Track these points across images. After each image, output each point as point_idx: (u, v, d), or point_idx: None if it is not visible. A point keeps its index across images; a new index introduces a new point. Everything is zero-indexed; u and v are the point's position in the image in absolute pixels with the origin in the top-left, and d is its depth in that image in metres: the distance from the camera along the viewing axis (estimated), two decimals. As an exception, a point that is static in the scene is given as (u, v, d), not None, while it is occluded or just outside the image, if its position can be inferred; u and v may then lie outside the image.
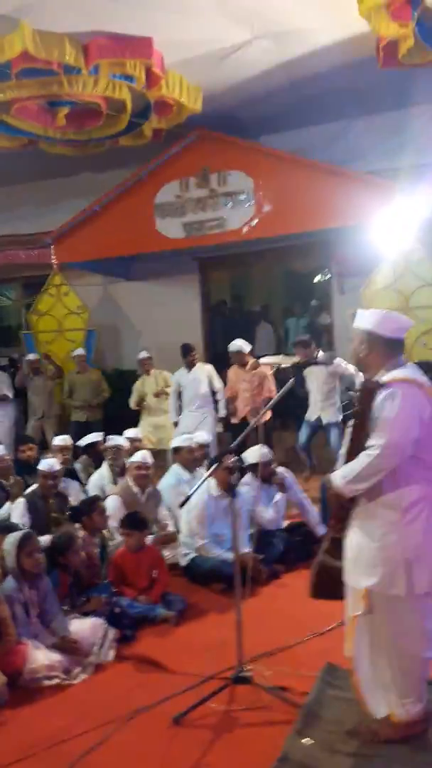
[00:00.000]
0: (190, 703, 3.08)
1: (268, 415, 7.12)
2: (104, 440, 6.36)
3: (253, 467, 5.16)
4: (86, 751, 2.86)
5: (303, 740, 2.75)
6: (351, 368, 6.07)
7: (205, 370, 7.65)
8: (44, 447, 7.29)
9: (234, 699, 3.18)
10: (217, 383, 7.58)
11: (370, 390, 2.67)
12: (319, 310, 10.00)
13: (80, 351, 8.61)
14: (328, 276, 9.72)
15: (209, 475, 3.60)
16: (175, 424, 7.65)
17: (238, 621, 3.24)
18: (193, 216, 8.34)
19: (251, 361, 7.22)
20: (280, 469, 5.41)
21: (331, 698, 3.08)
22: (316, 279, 10.83)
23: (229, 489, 4.68)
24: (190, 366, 7.64)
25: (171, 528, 5.22)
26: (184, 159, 8.37)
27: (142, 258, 9.47)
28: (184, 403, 7.66)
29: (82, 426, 8.05)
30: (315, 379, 6.64)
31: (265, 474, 5.19)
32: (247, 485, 5.19)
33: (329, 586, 2.87)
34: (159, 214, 8.49)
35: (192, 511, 4.79)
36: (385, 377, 2.68)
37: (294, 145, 8.31)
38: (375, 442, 2.59)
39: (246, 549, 4.63)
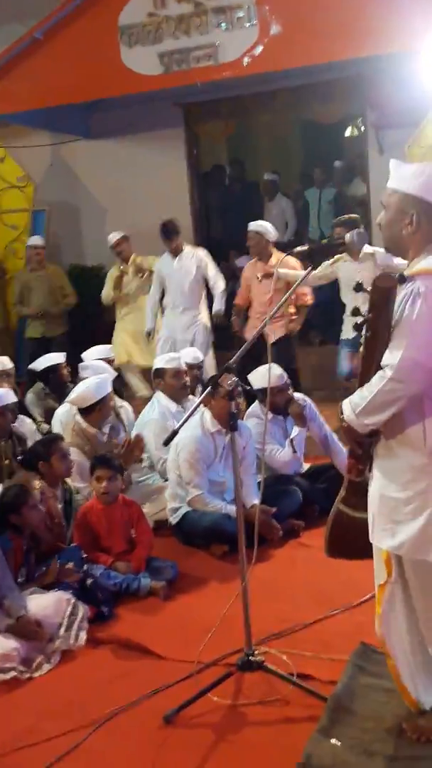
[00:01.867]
0: (186, 696, 3.20)
1: (290, 325, 7.08)
2: (66, 362, 6.38)
3: (263, 393, 5.18)
4: (55, 759, 2.99)
5: (331, 741, 2.88)
6: (395, 260, 5.92)
7: (196, 257, 7.55)
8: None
9: (241, 690, 3.30)
10: (212, 271, 7.51)
11: (386, 289, 2.60)
12: (350, 175, 9.77)
13: (38, 239, 8.45)
14: (362, 128, 9.44)
15: (200, 403, 3.61)
16: (149, 334, 7.64)
17: (244, 592, 3.32)
18: (174, 43, 8.00)
19: (275, 257, 7.03)
20: (298, 396, 5.43)
21: (365, 688, 3.21)
22: (347, 132, 10.52)
23: (228, 421, 4.78)
24: (175, 252, 7.53)
25: (151, 481, 5.32)
26: (158, -42, 7.95)
27: (104, 106, 9.17)
28: (167, 303, 7.62)
29: (39, 343, 8.03)
30: (348, 281, 6.53)
31: (278, 402, 5.22)
32: (255, 417, 5.23)
33: (348, 542, 2.94)
34: (125, 41, 8.14)
35: (181, 452, 4.85)
36: (414, 267, 2.61)
37: None
38: (389, 360, 2.56)
39: (254, 500, 4.72)
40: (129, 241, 8.01)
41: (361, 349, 2.72)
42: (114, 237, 8.00)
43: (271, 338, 6.86)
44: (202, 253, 7.62)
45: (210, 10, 7.89)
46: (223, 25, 7.87)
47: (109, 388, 5.40)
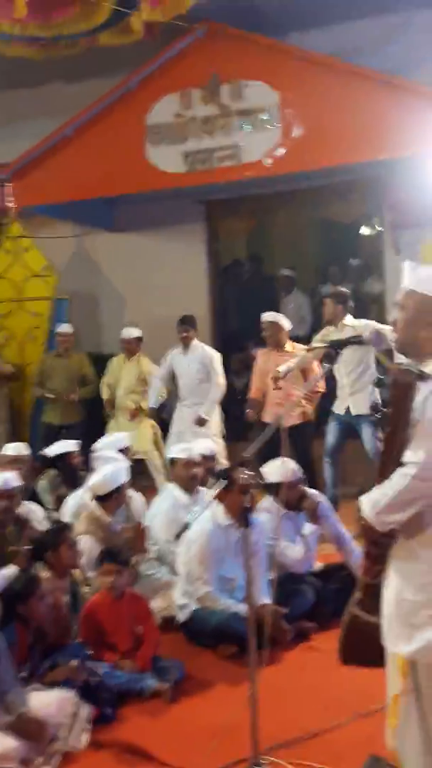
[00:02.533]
0: (190, 806, 3.12)
1: (305, 415, 7.13)
2: (77, 451, 6.46)
3: (276, 488, 5.17)
4: None
5: None
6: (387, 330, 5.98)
7: (204, 353, 7.68)
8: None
9: (247, 801, 3.21)
10: (216, 373, 7.60)
11: (405, 385, 2.63)
12: (366, 273, 9.95)
13: (67, 327, 8.61)
14: (379, 227, 9.65)
15: (215, 496, 3.61)
16: (156, 415, 7.70)
17: (253, 696, 3.27)
18: (198, 143, 8.34)
19: (289, 345, 7.18)
20: (312, 492, 5.41)
21: (376, 804, 3.09)
22: (363, 231, 10.76)
23: (241, 516, 4.75)
24: (185, 343, 7.66)
25: (159, 575, 5.28)
26: (186, 64, 8.37)
27: (128, 200, 9.46)
28: (178, 397, 7.70)
29: (54, 429, 8.06)
30: (344, 360, 6.55)
31: (291, 497, 5.19)
32: (267, 512, 5.19)
33: (363, 648, 2.88)
34: (152, 139, 8.49)
35: (192, 547, 4.80)
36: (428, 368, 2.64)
37: (334, 46, 8.26)
38: (412, 458, 2.55)
39: (265, 599, 4.64)
40: (141, 341, 8.23)
41: (380, 444, 2.74)
42: (128, 334, 8.14)
43: (288, 422, 6.91)
44: (211, 352, 7.75)
45: (234, 113, 8.24)
46: (246, 126, 8.17)
47: (126, 477, 5.41)
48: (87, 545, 5.04)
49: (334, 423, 7.01)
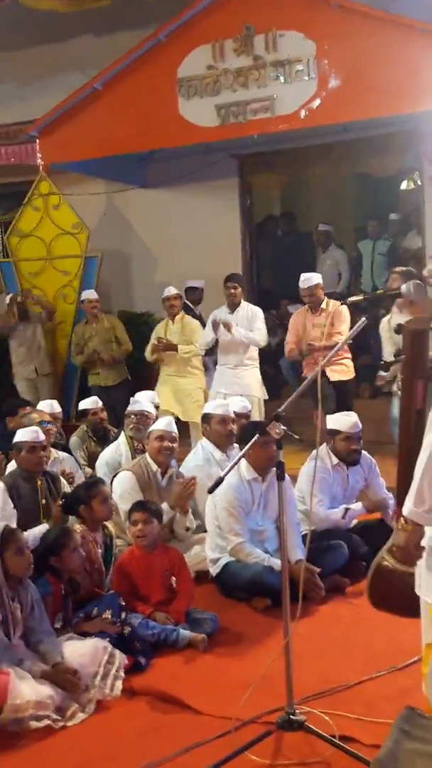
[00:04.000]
0: (223, 753, 3.15)
1: (348, 372, 7.12)
2: (99, 408, 6.68)
3: (333, 434, 5.23)
4: None
5: (373, 807, 2.80)
6: None
7: (251, 313, 7.63)
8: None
9: (281, 750, 3.24)
10: (259, 333, 7.54)
11: (417, 333, 2.61)
12: (405, 228, 9.82)
13: (92, 293, 8.62)
14: (418, 181, 9.51)
15: (249, 448, 3.64)
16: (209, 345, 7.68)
17: (287, 648, 3.28)
18: (231, 95, 8.24)
19: (324, 303, 7.18)
20: (363, 454, 5.47)
21: (410, 753, 3.10)
22: (402, 185, 10.59)
23: (268, 469, 4.82)
24: (232, 305, 7.61)
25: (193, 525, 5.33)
26: (218, 14, 8.23)
27: (160, 156, 9.41)
28: (219, 358, 7.68)
29: (101, 391, 8.08)
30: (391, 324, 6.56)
31: (345, 448, 5.24)
32: (320, 459, 5.19)
33: (392, 595, 2.89)
34: (183, 92, 8.41)
35: (219, 501, 4.86)
36: None
37: (371, -5, 8.08)
38: (430, 435, 2.51)
39: (298, 555, 4.67)
40: (181, 299, 8.14)
41: (399, 391, 2.74)
42: (169, 292, 8.09)
43: (334, 378, 6.94)
44: (256, 311, 7.67)
45: (269, 64, 8.12)
46: (281, 78, 8.08)
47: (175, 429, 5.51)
48: (126, 482, 5.16)
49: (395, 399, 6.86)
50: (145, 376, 8.27)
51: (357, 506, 5.36)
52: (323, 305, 7.24)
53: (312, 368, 7.15)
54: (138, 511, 4.59)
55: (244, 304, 7.69)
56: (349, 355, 7.34)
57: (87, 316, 8.59)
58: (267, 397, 7.73)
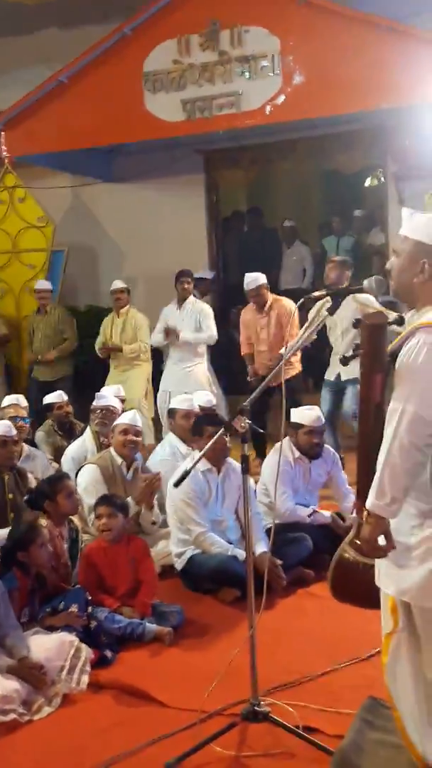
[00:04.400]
0: (189, 746, 3.17)
1: (295, 369, 7.18)
2: (64, 402, 6.72)
3: (296, 428, 5.29)
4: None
5: (335, 796, 2.84)
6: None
7: (197, 308, 7.69)
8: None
9: (245, 741, 3.26)
10: (206, 329, 7.60)
11: (372, 327, 2.66)
12: (369, 224, 9.91)
13: (45, 284, 8.61)
14: (382, 178, 9.59)
15: (214, 442, 3.68)
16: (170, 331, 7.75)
17: (252, 640, 3.31)
18: (197, 90, 8.24)
19: (272, 299, 7.24)
20: (328, 449, 5.55)
21: (373, 742, 3.16)
22: (366, 182, 10.68)
23: (221, 460, 4.90)
24: (181, 299, 7.64)
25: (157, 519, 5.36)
26: (184, 9, 8.23)
27: (126, 150, 9.39)
28: (168, 354, 7.78)
29: (45, 385, 8.12)
30: (340, 321, 6.57)
31: (307, 442, 5.29)
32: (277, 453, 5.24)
33: (353, 587, 2.93)
34: (149, 87, 8.39)
35: (177, 494, 4.89)
36: (423, 317, 2.64)
37: (338, -9, 8.12)
38: (397, 406, 2.55)
39: (262, 547, 4.72)
40: (127, 293, 8.21)
41: (359, 386, 2.77)
42: (116, 285, 8.14)
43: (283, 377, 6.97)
44: (203, 306, 7.74)
45: (234, 59, 8.12)
46: (246, 74, 8.08)
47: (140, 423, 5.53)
48: (91, 475, 5.17)
49: (326, 390, 6.97)
50: (96, 371, 8.27)
51: (326, 514, 5.38)
52: (268, 305, 7.27)
53: (264, 368, 7.25)
54: (103, 505, 4.59)
55: (191, 299, 7.75)
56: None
57: (38, 306, 8.60)
58: (222, 392, 7.80)
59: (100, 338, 8.23)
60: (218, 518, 4.98)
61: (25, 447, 5.91)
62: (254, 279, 7.26)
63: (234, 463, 5.11)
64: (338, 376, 6.78)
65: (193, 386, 7.33)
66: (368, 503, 2.63)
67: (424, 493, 2.61)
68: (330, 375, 6.90)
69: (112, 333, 8.13)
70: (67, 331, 8.54)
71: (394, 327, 2.87)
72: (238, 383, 8.04)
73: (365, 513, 2.65)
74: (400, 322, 2.89)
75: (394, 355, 2.65)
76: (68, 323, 8.60)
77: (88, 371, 8.60)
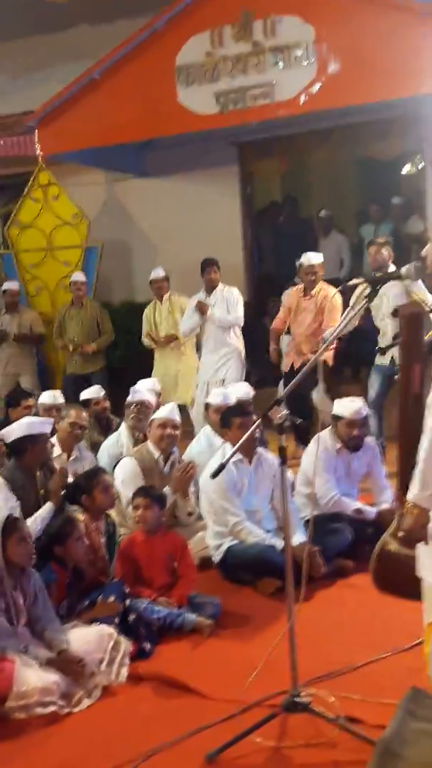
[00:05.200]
0: (229, 737, 3.17)
1: (330, 356, 7.15)
2: (102, 397, 6.68)
3: (337, 419, 5.29)
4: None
5: (378, 786, 2.82)
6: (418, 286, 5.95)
7: (228, 295, 7.63)
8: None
9: (286, 732, 3.26)
10: (234, 312, 7.56)
11: (412, 316, 2.64)
12: (408, 212, 9.81)
13: (80, 276, 8.67)
14: (421, 165, 9.48)
15: (254, 431, 3.69)
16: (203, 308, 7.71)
17: (291, 631, 3.30)
18: (230, 82, 8.21)
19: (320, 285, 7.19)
20: (369, 440, 5.51)
21: (416, 733, 3.12)
22: (404, 170, 10.58)
23: (252, 451, 4.88)
24: (209, 288, 7.62)
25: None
26: (216, 1, 8.20)
27: (159, 145, 9.40)
28: (202, 340, 7.76)
29: (80, 380, 8.16)
30: (388, 306, 6.43)
31: (347, 434, 5.27)
32: (320, 443, 5.23)
33: (395, 578, 2.91)
34: (182, 80, 8.38)
35: (209, 487, 4.91)
36: None
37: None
38: (430, 419, 2.54)
39: (300, 538, 4.71)
40: (167, 280, 8.22)
41: (397, 376, 2.75)
42: (156, 274, 8.17)
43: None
44: (233, 292, 7.69)
45: (267, 50, 8.08)
46: (280, 63, 8.04)
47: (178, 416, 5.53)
48: (129, 468, 5.20)
49: (376, 376, 6.89)
50: (131, 367, 8.29)
51: (371, 511, 5.32)
52: (315, 290, 7.22)
53: (294, 357, 7.24)
54: (140, 496, 4.63)
55: (220, 286, 7.69)
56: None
57: (72, 298, 8.63)
58: (257, 379, 7.78)
59: (145, 327, 8.19)
60: (252, 509, 4.98)
61: (75, 449, 5.91)
62: (312, 257, 7.25)
63: (266, 453, 5.11)
64: (392, 360, 6.58)
65: (231, 377, 7.33)
66: (410, 495, 2.61)
67: None
68: (382, 360, 6.79)
69: (156, 320, 8.11)
70: (104, 325, 8.58)
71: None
72: (271, 375, 8.02)
73: (407, 504, 2.63)
74: None
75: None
76: (105, 317, 8.65)
77: (122, 366, 8.62)
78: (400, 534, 2.77)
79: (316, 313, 7.12)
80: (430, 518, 2.63)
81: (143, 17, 8.67)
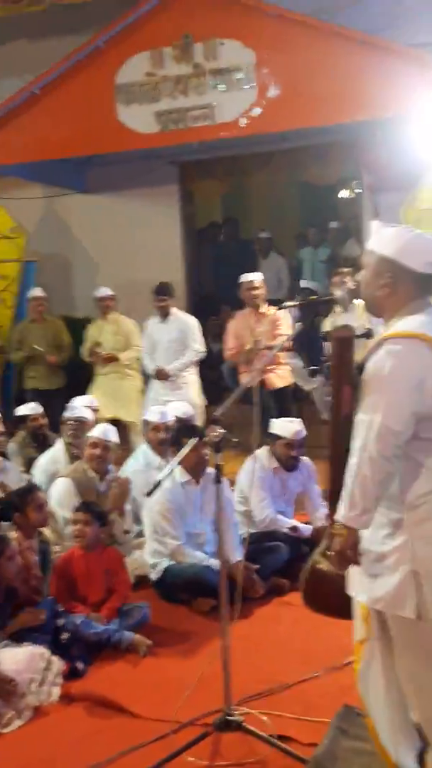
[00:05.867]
0: (161, 756, 3.16)
1: (287, 378, 7.21)
2: (40, 414, 6.65)
3: (275, 439, 5.32)
4: None
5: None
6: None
7: (182, 322, 7.65)
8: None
9: (218, 751, 3.26)
10: (194, 340, 7.57)
11: (340, 340, 2.72)
12: (345, 236, 9.99)
13: (39, 291, 8.55)
14: (358, 190, 9.67)
15: (187, 452, 3.69)
16: (157, 374, 7.68)
17: (225, 648, 3.31)
18: (171, 102, 8.24)
19: (264, 307, 7.23)
20: (304, 459, 5.56)
21: (347, 750, 3.16)
22: (341, 194, 10.77)
23: (200, 472, 4.91)
24: (162, 314, 7.64)
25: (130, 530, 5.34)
26: (157, 21, 8.23)
27: (100, 162, 9.38)
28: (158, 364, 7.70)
29: (39, 395, 7.98)
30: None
31: (285, 454, 5.30)
32: (256, 461, 5.26)
33: (326, 596, 2.94)
34: (122, 99, 8.38)
35: (154, 506, 4.89)
36: (390, 329, 2.67)
37: (311, 5, 8.19)
38: (358, 440, 2.58)
39: (237, 556, 4.73)
40: (114, 299, 8.15)
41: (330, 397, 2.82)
42: (101, 292, 8.12)
43: (276, 384, 7.01)
44: (190, 321, 7.70)
45: (208, 72, 8.14)
46: (221, 86, 8.10)
47: (115, 437, 5.48)
48: (64, 488, 5.15)
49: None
50: (83, 382, 8.22)
51: (307, 529, 5.39)
52: (264, 309, 7.28)
53: (248, 374, 7.23)
54: (80, 511, 4.61)
55: (175, 312, 7.68)
56: (287, 362, 7.40)
57: (32, 314, 8.48)
58: (206, 403, 7.77)
59: (86, 344, 8.12)
60: (197, 531, 4.99)
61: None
62: (251, 276, 7.29)
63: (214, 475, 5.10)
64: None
65: (185, 397, 7.31)
66: (339, 515, 2.64)
67: (395, 503, 2.63)
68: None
69: (101, 338, 8.05)
70: (63, 340, 8.47)
71: (364, 339, 2.93)
72: (215, 393, 8.05)
73: (336, 525, 2.67)
74: (368, 335, 2.96)
75: (363, 367, 2.69)
76: (65, 332, 8.53)
77: (73, 381, 8.54)
78: (329, 554, 2.80)
79: (270, 329, 7.13)
80: (359, 539, 2.68)
81: (83, 35, 8.67)
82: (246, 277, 7.29)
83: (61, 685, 3.82)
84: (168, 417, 5.85)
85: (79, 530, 4.55)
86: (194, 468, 4.93)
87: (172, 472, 4.87)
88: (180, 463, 4.81)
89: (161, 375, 7.47)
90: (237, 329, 7.35)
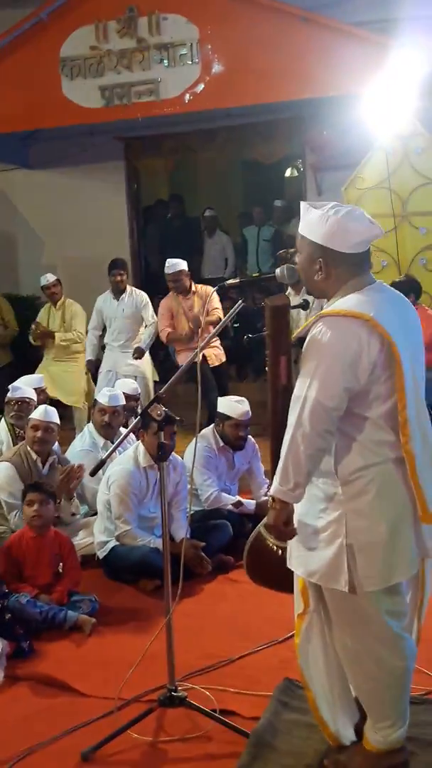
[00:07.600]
0: (106, 733, 3.17)
1: (219, 357, 7.23)
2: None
3: (222, 419, 5.32)
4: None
5: (251, 777, 2.88)
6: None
7: (136, 297, 7.69)
8: None
9: (162, 727, 3.28)
10: (149, 314, 7.64)
11: (273, 308, 2.71)
12: (289, 215, 10.00)
13: None
14: (301, 169, 9.68)
15: (128, 434, 3.67)
16: (90, 364, 7.71)
17: (169, 626, 3.32)
18: (115, 77, 8.14)
19: (193, 286, 7.27)
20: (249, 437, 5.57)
21: (288, 723, 3.21)
22: (287, 173, 10.76)
23: (158, 450, 4.83)
24: (116, 291, 7.59)
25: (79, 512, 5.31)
26: (101, -5, 8.11)
27: (43, 136, 9.22)
28: (108, 340, 7.73)
29: None
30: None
31: (232, 434, 5.32)
32: (204, 440, 5.26)
33: (266, 569, 2.97)
34: (66, 72, 8.25)
35: (113, 486, 4.85)
36: (328, 307, 2.67)
37: (256, -19, 8.13)
38: (292, 416, 2.59)
39: (183, 534, 4.73)
40: (61, 286, 8.05)
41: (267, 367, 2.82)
42: (47, 280, 8.01)
43: (214, 362, 7.03)
44: (143, 296, 7.73)
45: (152, 46, 8.05)
46: (165, 61, 8.02)
47: (56, 419, 5.39)
48: (5, 473, 5.08)
49: None
50: (32, 361, 8.13)
51: (251, 504, 5.43)
52: (193, 288, 7.27)
53: (187, 354, 7.22)
54: (34, 492, 4.53)
55: (129, 289, 7.73)
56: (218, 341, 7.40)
57: None
58: (157, 379, 7.77)
59: (34, 326, 8.07)
60: (150, 515, 4.94)
61: None
62: (174, 264, 7.24)
63: (176, 459, 5.09)
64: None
65: (137, 370, 7.44)
66: (272, 489, 2.66)
67: (330, 478, 2.66)
68: None
69: (50, 324, 7.98)
70: (8, 318, 8.33)
71: (299, 311, 2.91)
72: (163, 371, 8.04)
73: (270, 499, 2.69)
74: (305, 306, 2.95)
75: (302, 342, 2.69)
76: (7, 310, 8.41)
77: (23, 361, 8.43)
78: (267, 527, 2.83)
79: (198, 311, 7.14)
80: (292, 512, 2.69)
81: (29, 7, 8.47)
82: (168, 264, 7.26)
83: (5, 666, 3.79)
84: (119, 401, 5.75)
85: (36, 510, 4.46)
86: (154, 452, 4.88)
87: (134, 455, 4.85)
88: (146, 446, 4.82)
89: (140, 354, 7.56)
90: (167, 310, 7.37)
